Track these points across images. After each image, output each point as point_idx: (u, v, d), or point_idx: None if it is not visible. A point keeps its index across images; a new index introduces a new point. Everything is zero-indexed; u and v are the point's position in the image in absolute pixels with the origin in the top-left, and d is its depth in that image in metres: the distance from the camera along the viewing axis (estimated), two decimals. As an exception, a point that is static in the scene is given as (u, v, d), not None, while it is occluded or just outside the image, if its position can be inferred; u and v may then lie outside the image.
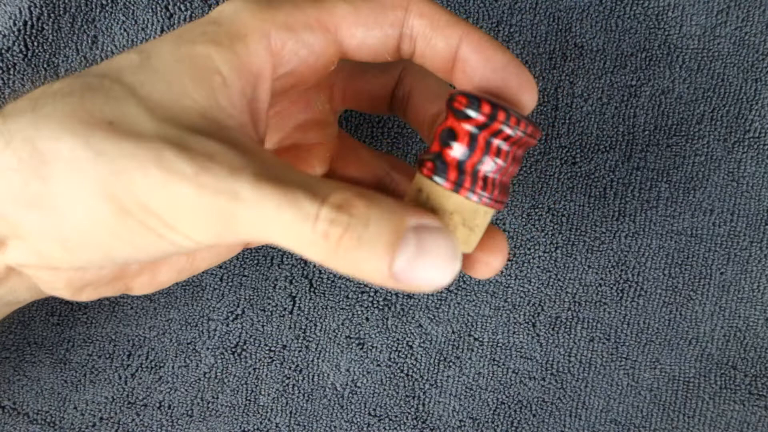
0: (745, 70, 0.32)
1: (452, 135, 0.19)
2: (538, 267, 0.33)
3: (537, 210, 0.32)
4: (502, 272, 0.32)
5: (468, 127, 0.19)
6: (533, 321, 0.33)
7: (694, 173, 0.32)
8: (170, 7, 0.31)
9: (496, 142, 0.19)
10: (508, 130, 0.19)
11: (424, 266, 0.18)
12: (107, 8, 0.31)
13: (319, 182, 0.18)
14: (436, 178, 0.19)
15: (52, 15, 0.30)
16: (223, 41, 0.19)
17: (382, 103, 0.25)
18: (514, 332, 0.33)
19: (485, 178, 0.19)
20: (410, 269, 0.17)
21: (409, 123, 0.25)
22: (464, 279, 0.32)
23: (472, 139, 0.19)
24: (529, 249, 0.33)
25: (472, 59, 0.20)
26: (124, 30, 0.31)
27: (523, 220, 0.32)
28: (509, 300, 0.33)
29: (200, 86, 0.18)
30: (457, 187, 0.19)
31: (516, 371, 0.33)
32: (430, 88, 0.24)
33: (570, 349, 0.33)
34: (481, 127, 0.19)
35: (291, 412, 0.33)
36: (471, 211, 0.20)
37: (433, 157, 0.20)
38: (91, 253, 0.19)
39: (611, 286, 0.33)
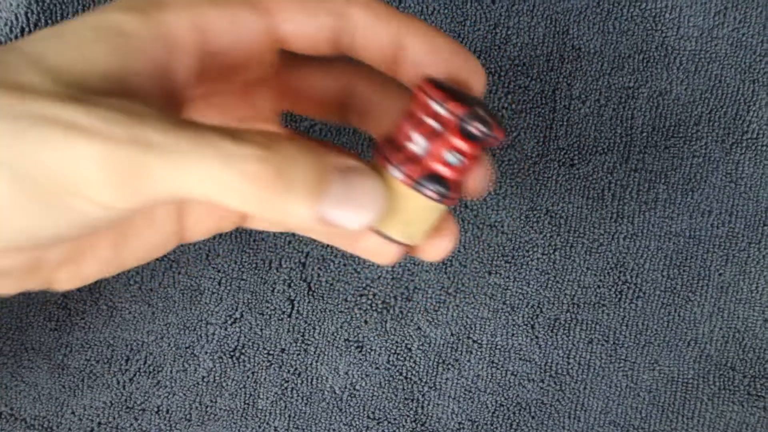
0: (743, 72, 0.32)
1: (410, 125, 0.19)
2: (536, 269, 0.33)
3: (535, 212, 0.32)
4: (500, 274, 0.32)
5: (428, 120, 0.19)
6: (532, 323, 0.33)
7: (692, 175, 0.32)
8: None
9: (454, 140, 0.19)
10: (468, 127, 0.19)
11: (351, 206, 0.17)
12: (103, 12, 0.31)
13: (237, 129, 0.16)
14: (391, 169, 0.19)
15: (49, 21, 0.30)
16: (144, 8, 0.18)
17: (328, 109, 0.24)
18: (512, 334, 0.33)
19: (434, 174, 0.19)
20: (338, 210, 0.17)
21: (370, 132, 0.24)
22: (462, 282, 0.32)
23: (428, 130, 0.19)
24: (527, 251, 0.33)
25: (418, 48, 0.20)
26: (121, 34, 0.31)
27: (522, 222, 0.32)
28: (508, 302, 0.33)
29: (107, 49, 0.17)
30: (408, 179, 0.19)
31: (515, 373, 0.33)
32: (393, 104, 0.23)
33: (569, 350, 0.33)
34: (440, 119, 0.19)
35: (290, 416, 0.33)
36: (420, 207, 0.20)
37: (388, 147, 0.20)
38: None
39: (610, 287, 0.33)
